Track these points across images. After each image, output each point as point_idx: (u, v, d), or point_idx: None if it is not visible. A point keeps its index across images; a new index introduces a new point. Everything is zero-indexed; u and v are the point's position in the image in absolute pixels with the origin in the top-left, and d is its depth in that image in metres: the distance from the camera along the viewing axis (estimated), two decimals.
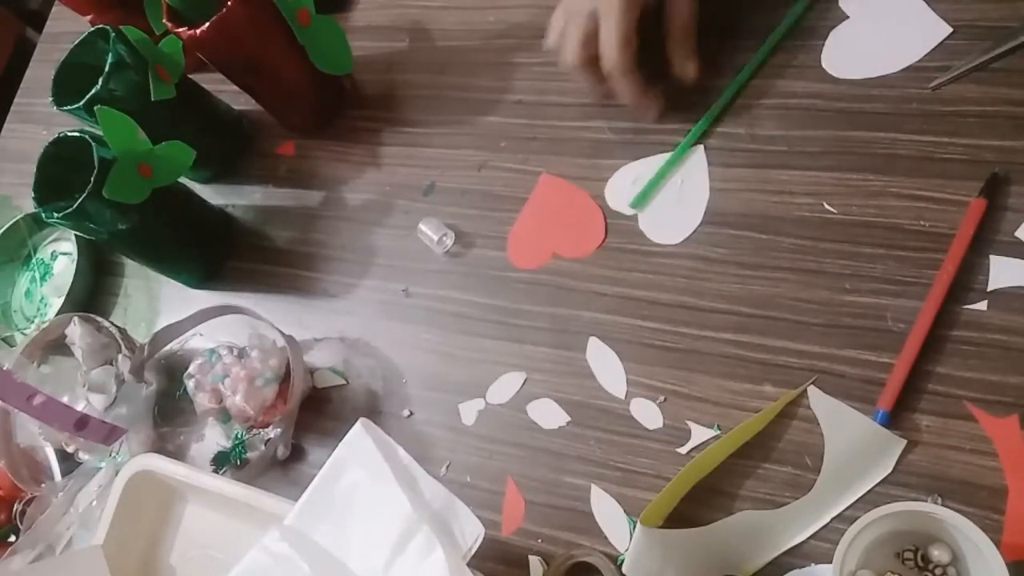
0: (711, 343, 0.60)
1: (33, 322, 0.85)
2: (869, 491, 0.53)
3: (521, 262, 0.67)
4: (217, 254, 0.79)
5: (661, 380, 0.60)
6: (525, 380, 0.64)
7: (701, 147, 0.64)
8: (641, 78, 0.62)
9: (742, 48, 0.65)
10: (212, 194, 0.82)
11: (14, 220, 0.87)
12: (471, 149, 0.73)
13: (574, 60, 0.62)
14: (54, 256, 0.88)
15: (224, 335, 0.74)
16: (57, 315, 0.79)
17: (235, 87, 0.77)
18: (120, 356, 0.73)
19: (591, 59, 0.61)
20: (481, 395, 0.65)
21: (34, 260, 0.88)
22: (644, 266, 0.63)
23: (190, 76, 0.78)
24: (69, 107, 0.70)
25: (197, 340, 0.76)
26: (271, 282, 0.77)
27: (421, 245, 0.71)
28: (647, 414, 0.60)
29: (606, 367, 0.62)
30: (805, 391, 0.56)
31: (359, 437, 0.55)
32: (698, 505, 0.56)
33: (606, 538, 0.58)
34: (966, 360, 0.53)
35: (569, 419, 0.62)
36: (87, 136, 0.67)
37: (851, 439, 0.54)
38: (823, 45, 0.63)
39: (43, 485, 0.73)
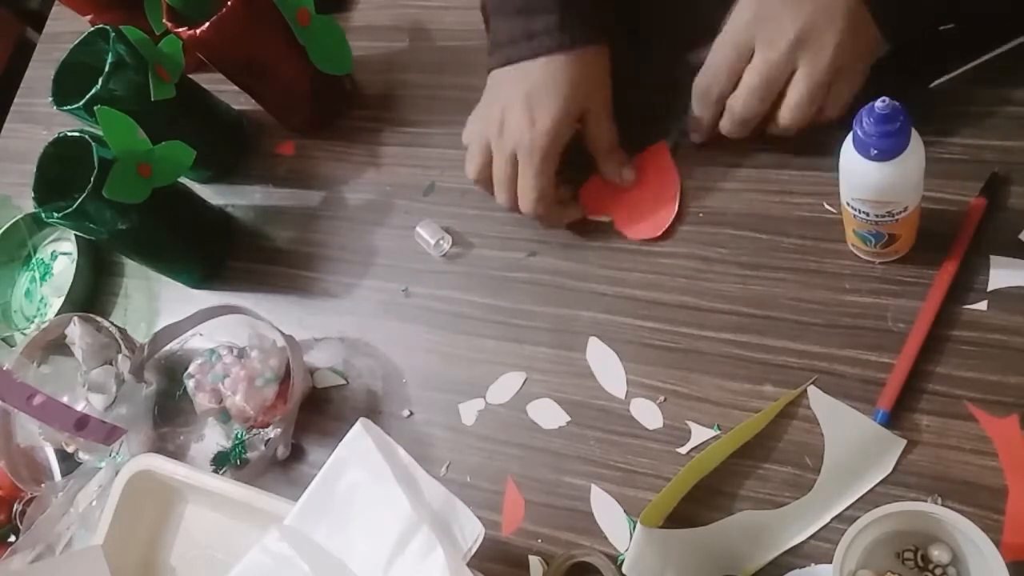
0: (711, 343, 0.60)
1: (33, 322, 0.85)
2: (869, 491, 0.53)
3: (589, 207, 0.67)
4: (217, 254, 0.79)
5: (661, 380, 0.60)
6: (525, 380, 0.64)
7: None
8: (557, 210, 0.65)
9: None
10: (212, 194, 0.82)
11: (14, 220, 0.87)
12: None
13: (501, 201, 0.65)
14: (54, 256, 0.88)
15: (224, 335, 0.74)
16: (57, 315, 0.79)
17: (235, 87, 0.77)
18: (120, 356, 0.73)
19: (514, 199, 0.64)
20: (481, 395, 0.65)
21: (34, 260, 0.88)
22: (644, 266, 0.63)
23: (190, 76, 0.78)
24: (69, 107, 0.70)
25: (197, 340, 0.76)
26: (271, 282, 0.77)
27: (421, 245, 0.71)
28: (647, 414, 0.60)
29: (606, 367, 0.62)
30: (805, 391, 0.56)
31: (359, 437, 0.55)
32: (698, 505, 0.56)
33: (606, 538, 0.58)
34: (966, 360, 0.53)
35: (569, 419, 0.62)
36: (87, 136, 0.67)
37: (851, 439, 0.54)
38: None
39: (43, 485, 0.73)
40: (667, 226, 0.63)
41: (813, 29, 0.53)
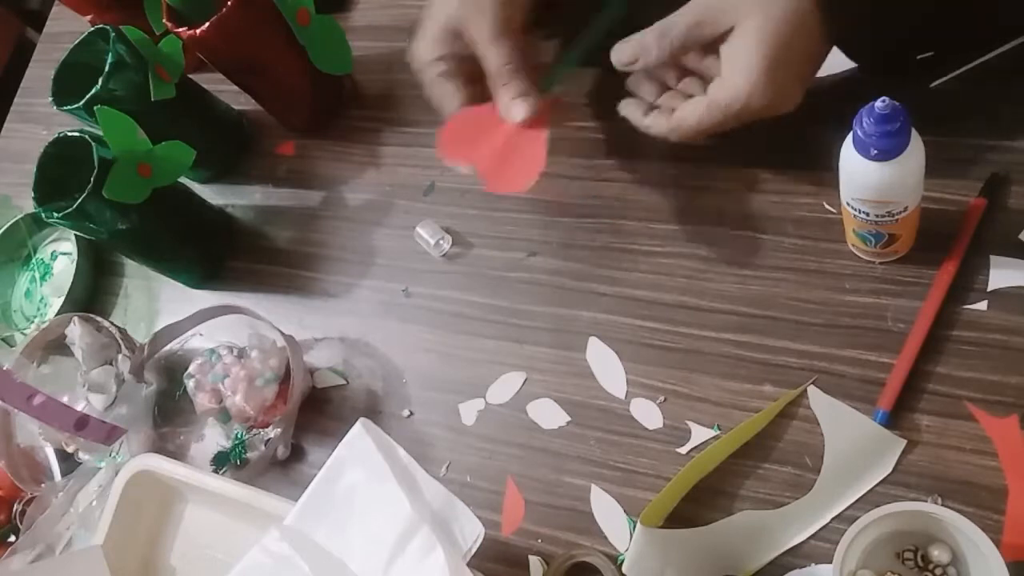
0: (711, 343, 0.60)
1: (33, 322, 0.85)
2: (869, 491, 0.53)
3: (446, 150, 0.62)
4: (217, 254, 0.79)
5: (661, 380, 0.60)
6: (525, 380, 0.64)
7: None
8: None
9: None
10: (212, 194, 0.82)
11: (14, 220, 0.87)
12: None
13: None
14: (54, 256, 0.88)
15: (224, 335, 0.74)
16: (57, 315, 0.79)
17: (235, 87, 0.77)
18: (120, 356, 0.73)
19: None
20: (481, 395, 0.65)
21: (34, 260, 0.88)
22: (644, 266, 0.63)
23: (190, 76, 0.78)
24: (69, 107, 0.70)
25: (197, 340, 0.76)
26: (271, 282, 0.77)
27: (421, 245, 0.71)
28: (647, 414, 0.60)
29: (606, 367, 0.62)
30: (805, 391, 0.56)
31: (359, 437, 0.55)
32: (698, 505, 0.56)
33: (606, 538, 0.58)
34: (966, 360, 0.53)
35: (569, 419, 0.62)
36: (87, 136, 0.67)
37: (851, 439, 0.54)
38: None
39: (43, 485, 0.73)
40: (533, 181, 0.59)
41: (784, 101, 0.55)
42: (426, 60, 0.62)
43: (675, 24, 0.55)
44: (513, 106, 0.59)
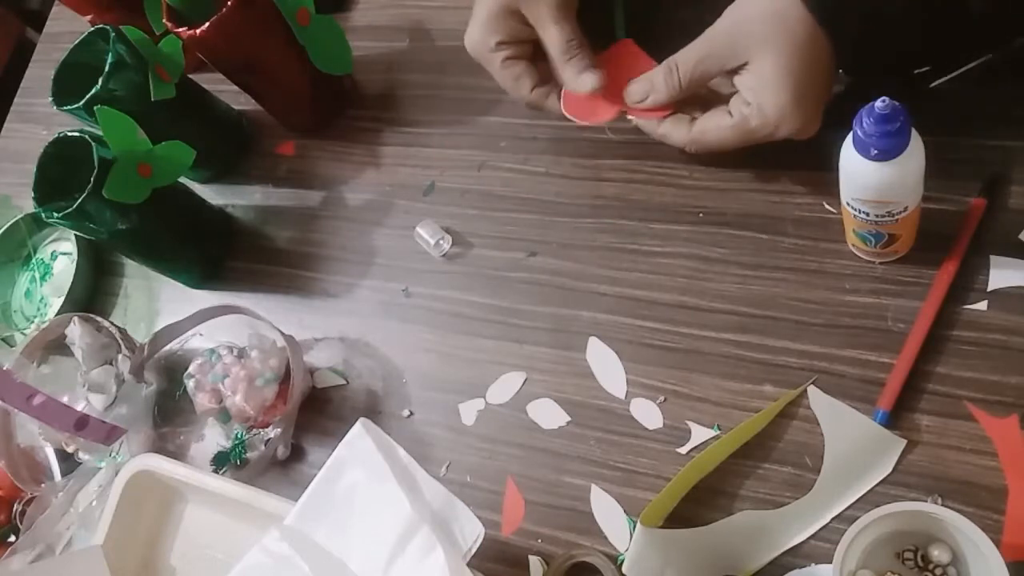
0: (711, 343, 0.60)
1: (33, 322, 0.85)
2: (869, 491, 0.53)
3: (583, 115, 0.62)
4: (217, 254, 0.79)
5: (661, 380, 0.60)
6: (525, 380, 0.64)
7: None
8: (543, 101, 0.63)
9: None
10: (212, 194, 0.82)
11: (14, 220, 0.87)
12: (471, 149, 0.73)
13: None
14: (54, 256, 0.88)
15: (224, 335, 0.74)
16: (57, 315, 0.79)
17: (235, 87, 0.77)
18: (120, 356, 0.73)
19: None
20: (481, 395, 0.65)
21: (34, 260, 0.88)
22: (644, 266, 0.63)
23: (190, 76, 0.78)
24: (69, 107, 0.70)
25: (197, 340, 0.76)
26: (271, 282, 0.77)
27: (421, 245, 0.71)
28: (647, 414, 0.60)
29: (606, 367, 0.62)
30: (805, 391, 0.56)
31: (359, 437, 0.55)
32: (698, 505, 0.56)
33: (606, 538, 0.58)
34: (966, 360, 0.53)
35: (569, 419, 0.62)
36: (87, 136, 0.67)
37: (851, 439, 0.54)
38: None
39: (43, 485, 0.73)
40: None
41: (810, 126, 0.55)
42: (488, 47, 0.62)
43: (683, 61, 0.56)
44: (581, 79, 0.60)
